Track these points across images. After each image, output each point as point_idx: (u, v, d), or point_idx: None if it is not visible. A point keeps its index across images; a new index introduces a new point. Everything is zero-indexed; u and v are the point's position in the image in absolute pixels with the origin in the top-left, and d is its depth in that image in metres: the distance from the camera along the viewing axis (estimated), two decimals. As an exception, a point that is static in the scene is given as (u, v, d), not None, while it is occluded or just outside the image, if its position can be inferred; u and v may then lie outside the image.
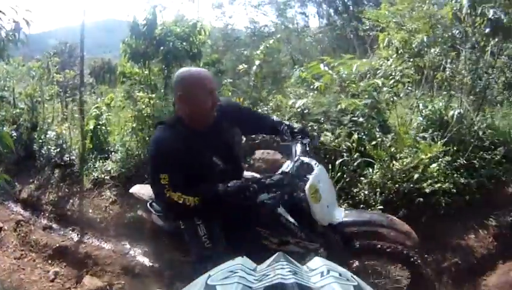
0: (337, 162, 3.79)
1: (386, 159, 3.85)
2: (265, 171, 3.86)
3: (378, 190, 3.82)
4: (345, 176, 3.84)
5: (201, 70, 2.33)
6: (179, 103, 2.12)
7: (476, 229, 4.42)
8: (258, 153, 4.19)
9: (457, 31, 5.94)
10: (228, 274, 0.84)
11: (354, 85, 4.21)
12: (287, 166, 2.39)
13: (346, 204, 3.79)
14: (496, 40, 5.70)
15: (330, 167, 3.76)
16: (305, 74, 4.40)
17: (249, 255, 1.31)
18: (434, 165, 3.90)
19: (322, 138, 3.93)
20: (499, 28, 5.10)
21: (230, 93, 5.50)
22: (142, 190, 2.83)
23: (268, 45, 5.36)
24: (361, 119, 4.11)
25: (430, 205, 4.01)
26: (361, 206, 3.76)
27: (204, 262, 2.05)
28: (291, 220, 2.24)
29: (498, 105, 7.05)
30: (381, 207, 3.68)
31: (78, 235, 4.86)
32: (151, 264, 4.10)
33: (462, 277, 4.00)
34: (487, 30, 5.10)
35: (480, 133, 4.70)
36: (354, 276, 0.86)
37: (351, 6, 19.79)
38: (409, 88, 5.25)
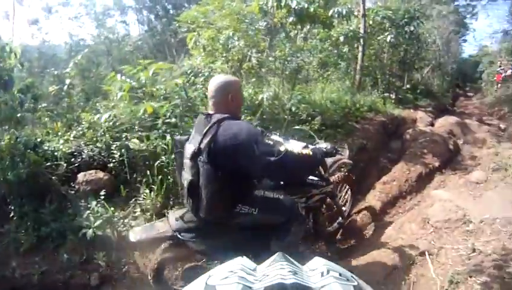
0: (155, 165, 3.79)
1: None
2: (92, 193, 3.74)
3: None
4: (168, 177, 3.83)
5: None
6: (233, 102, 2.47)
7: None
8: (81, 176, 3.96)
9: (265, 23, 6.43)
10: (228, 274, 0.83)
11: (154, 89, 4.25)
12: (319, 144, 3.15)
13: (175, 203, 3.77)
14: (309, 27, 6.33)
15: (149, 172, 3.78)
16: (108, 87, 4.33)
17: None
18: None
19: (131, 145, 3.93)
20: (305, 16, 5.66)
21: (47, 119, 5.12)
22: (154, 229, 2.68)
23: (77, 61, 5.13)
24: (174, 120, 4.16)
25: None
26: None
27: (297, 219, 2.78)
28: (314, 177, 3.18)
29: (314, 81, 7.89)
30: None
31: None
32: None
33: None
34: (291, 19, 5.64)
35: (294, 109, 5.13)
36: (354, 276, 0.86)
37: (171, 10, 19.80)
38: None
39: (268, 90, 4.97)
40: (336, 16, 6.03)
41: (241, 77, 5.65)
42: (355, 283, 0.80)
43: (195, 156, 2.31)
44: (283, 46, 6.02)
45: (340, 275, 0.81)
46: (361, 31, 8.49)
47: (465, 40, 27.52)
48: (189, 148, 2.39)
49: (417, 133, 7.32)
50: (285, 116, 4.91)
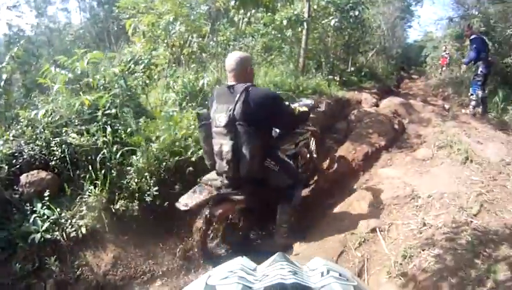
0: (97, 159, 3.68)
1: (144, 143, 3.94)
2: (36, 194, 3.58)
3: (147, 174, 3.85)
4: (112, 171, 3.78)
5: None
6: (250, 73, 3.11)
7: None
8: (23, 178, 3.74)
9: (207, 8, 6.39)
10: (228, 274, 0.82)
11: (91, 80, 4.13)
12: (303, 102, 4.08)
13: (121, 198, 3.72)
14: (253, 11, 6.34)
15: (91, 168, 3.67)
16: (42, 80, 4.14)
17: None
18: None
19: (70, 141, 3.79)
20: (248, 0, 5.62)
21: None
22: (199, 194, 3.18)
23: (13, 54, 4.86)
24: (114, 111, 4.08)
25: (206, 168, 4.09)
26: (137, 194, 3.74)
27: (300, 183, 3.58)
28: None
29: (258, 65, 7.93)
30: (157, 189, 3.74)
31: None
32: None
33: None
34: (233, 3, 5.62)
35: None
36: (354, 276, 0.86)
37: None
38: (173, 67, 5.45)
39: (209, 75, 4.96)
40: (279, -1, 6.07)
41: (182, 63, 5.61)
42: (355, 283, 0.81)
43: (231, 122, 2.81)
44: (225, 30, 6.00)
45: (340, 275, 0.82)
46: (306, 15, 8.53)
47: (410, 26, 28.72)
48: (221, 118, 2.88)
49: (362, 113, 7.48)
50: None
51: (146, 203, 3.71)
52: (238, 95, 2.79)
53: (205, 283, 0.79)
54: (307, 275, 0.85)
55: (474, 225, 3.42)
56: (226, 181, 3.12)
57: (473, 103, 7.97)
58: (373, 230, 3.56)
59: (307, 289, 0.74)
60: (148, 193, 3.73)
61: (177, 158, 4.03)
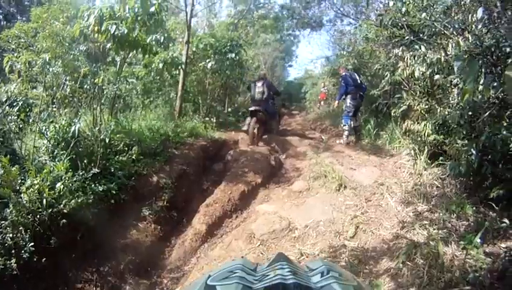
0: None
1: (13, 195, 3.82)
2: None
3: (21, 228, 3.75)
4: None
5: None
6: (267, 76, 12.39)
7: (135, 225, 5.04)
8: None
9: (85, 48, 6.56)
10: (228, 274, 0.85)
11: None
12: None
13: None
14: (134, 52, 6.57)
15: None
16: None
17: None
18: (59, 184, 4.13)
19: None
20: (125, 42, 5.86)
21: None
22: (246, 121, 9.65)
23: None
24: None
25: (81, 220, 4.26)
26: (13, 251, 3.60)
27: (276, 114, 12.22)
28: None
29: (135, 109, 8.26)
30: (32, 244, 3.67)
31: None
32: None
33: (140, 270, 4.51)
34: (109, 45, 5.83)
35: (107, 140, 5.23)
36: (354, 276, 0.92)
37: (2, 22, 17.78)
38: (50, 110, 5.37)
39: (80, 121, 4.98)
40: (154, 42, 6.38)
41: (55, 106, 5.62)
42: (355, 283, 0.83)
43: (262, 85, 9.42)
44: (103, 72, 6.09)
45: (340, 275, 0.84)
46: (184, 57, 9.11)
47: (291, 65, 32.88)
48: (259, 83, 9.51)
49: (238, 153, 8.05)
50: (99, 149, 5.02)
51: (24, 260, 3.58)
52: (265, 81, 9.59)
53: (205, 283, 0.80)
54: (307, 275, 0.88)
55: (351, 247, 3.86)
56: (257, 107, 9.12)
57: (346, 132, 9.07)
58: (250, 268, 4.02)
59: (307, 289, 0.76)
60: (25, 248, 3.63)
61: (50, 210, 3.98)
